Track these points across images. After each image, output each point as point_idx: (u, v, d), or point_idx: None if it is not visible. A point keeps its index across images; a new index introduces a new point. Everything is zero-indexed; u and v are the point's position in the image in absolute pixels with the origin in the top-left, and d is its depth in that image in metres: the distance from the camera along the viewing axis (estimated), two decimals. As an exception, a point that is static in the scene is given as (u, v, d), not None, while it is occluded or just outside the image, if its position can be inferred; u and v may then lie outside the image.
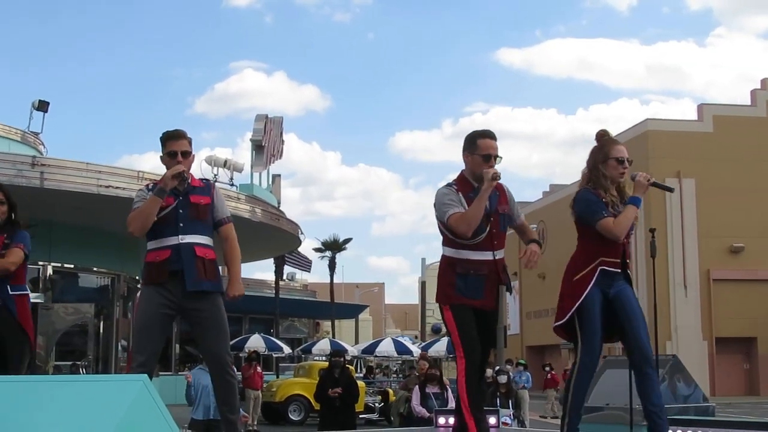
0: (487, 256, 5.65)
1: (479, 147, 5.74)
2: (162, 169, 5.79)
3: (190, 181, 5.70)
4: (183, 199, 5.63)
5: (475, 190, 5.62)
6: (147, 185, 5.87)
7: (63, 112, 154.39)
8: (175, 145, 5.73)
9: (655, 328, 9.71)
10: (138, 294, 5.75)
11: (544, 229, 55.22)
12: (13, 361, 6.13)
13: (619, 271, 5.56)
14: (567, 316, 5.60)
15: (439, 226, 5.78)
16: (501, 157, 5.77)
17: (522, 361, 27.17)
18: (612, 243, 5.48)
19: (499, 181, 5.66)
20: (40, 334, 19.37)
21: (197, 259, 5.56)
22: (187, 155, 5.75)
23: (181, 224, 5.60)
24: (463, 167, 5.87)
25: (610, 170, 5.61)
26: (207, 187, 5.84)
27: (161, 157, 5.82)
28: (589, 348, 5.53)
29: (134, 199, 5.79)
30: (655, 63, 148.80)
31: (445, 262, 5.78)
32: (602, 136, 5.78)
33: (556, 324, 5.75)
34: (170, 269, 5.54)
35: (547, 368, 33.04)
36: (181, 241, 5.57)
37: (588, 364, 5.56)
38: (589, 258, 5.52)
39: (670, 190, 5.83)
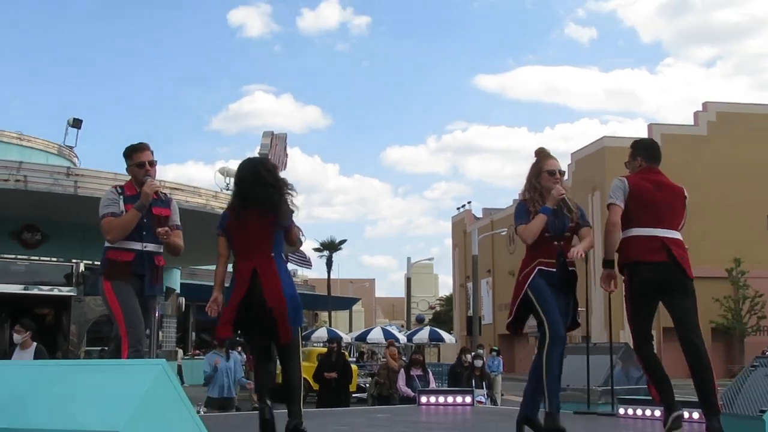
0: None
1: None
2: (125, 177, 5.79)
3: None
4: (147, 210, 5.57)
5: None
6: (115, 188, 5.73)
7: (95, 128, 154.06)
8: (143, 156, 5.64)
9: (609, 319, 9.73)
10: (102, 284, 5.25)
11: (513, 233, 55.23)
12: None
13: (555, 270, 5.38)
14: (513, 312, 5.55)
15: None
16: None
17: (495, 348, 27.13)
18: (546, 245, 5.37)
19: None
20: (73, 323, 19.31)
21: (155, 267, 5.62)
22: (153, 164, 5.69)
23: (144, 232, 5.55)
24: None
25: (543, 182, 5.51)
26: (167, 200, 5.81)
27: (128, 168, 5.71)
28: (553, 321, 5.25)
29: (104, 203, 5.62)
30: (613, 88, 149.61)
31: None
32: (538, 153, 5.68)
33: (507, 321, 5.68)
34: (133, 271, 5.51)
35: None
36: (144, 248, 5.55)
37: (556, 337, 5.25)
38: (530, 260, 5.45)
39: (571, 212, 5.51)
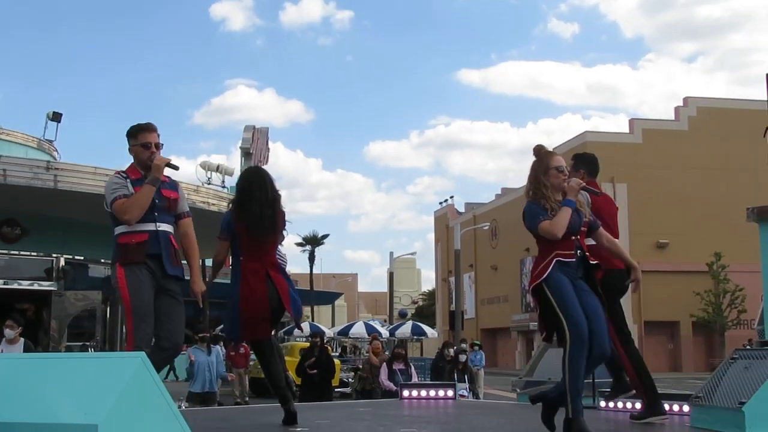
0: None
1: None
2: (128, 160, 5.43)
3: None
4: (156, 190, 5.27)
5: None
6: (118, 173, 5.43)
7: (75, 122, 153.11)
8: (150, 137, 5.35)
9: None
10: (115, 271, 5.01)
11: (496, 227, 55.34)
12: None
13: (574, 260, 5.12)
14: (542, 321, 5.23)
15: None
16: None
17: (477, 342, 27.20)
18: (564, 240, 5.13)
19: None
20: (54, 318, 19.21)
21: (171, 246, 5.34)
22: (160, 147, 5.40)
23: (156, 213, 5.27)
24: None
25: (552, 179, 5.34)
26: (174, 183, 5.53)
27: (131, 148, 5.39)
28: (573, 320, 4.93)
29: (112, 187, 5.30)
30: (595, 83, 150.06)
31: None
32: (540, 150, 5.55)
33: (543, 336, 5.38)
34: (148, 252, 5.21)
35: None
36: (158, 228, 5.27)
37: (577, 338, 4.91)
38: (546, 256, 5.19)
39: (597, 194, 5.54)
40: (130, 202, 5.19)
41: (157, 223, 5.26)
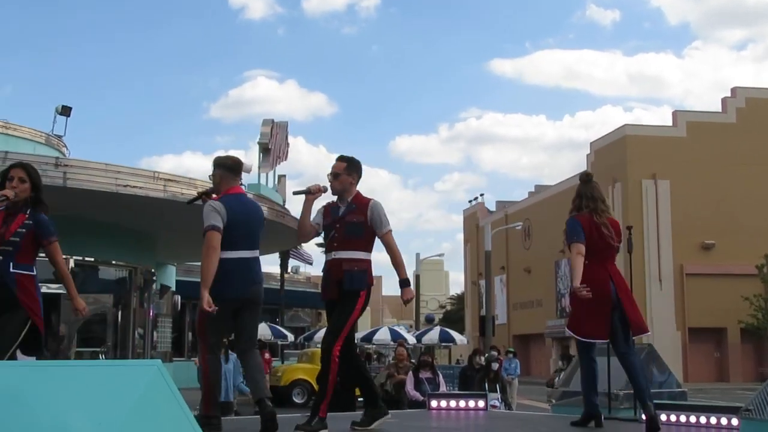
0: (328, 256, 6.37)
1: None
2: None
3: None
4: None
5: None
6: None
7: (85, 117, 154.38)
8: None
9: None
10: None
11: (529, 227, 55.17)
12: (3, 340, 5.77)
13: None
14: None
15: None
16: (340, 174, 6.44)
17: (511, 349, 27.12)
18: None
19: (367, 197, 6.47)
20: (63, 323, 19.36)
21: None
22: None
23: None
24: None
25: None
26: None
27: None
28: None
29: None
30: (637, 73, 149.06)
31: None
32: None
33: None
34: None
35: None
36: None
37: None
38: None
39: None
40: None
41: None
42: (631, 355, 6.55)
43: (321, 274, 6.55)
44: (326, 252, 6.37)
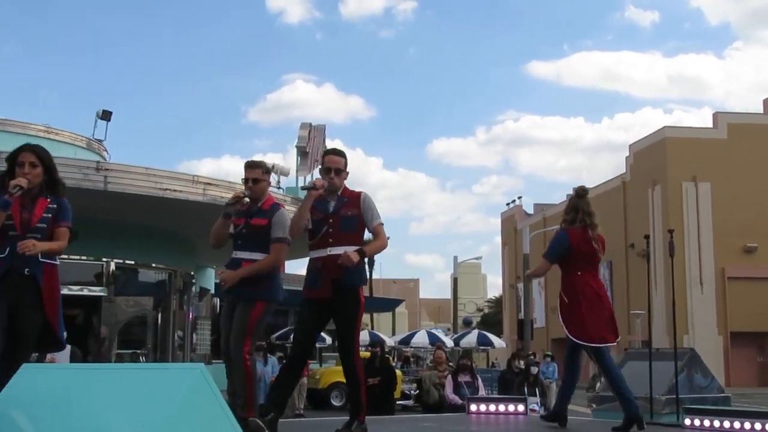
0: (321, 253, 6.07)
1: (323, 162, 6.27)
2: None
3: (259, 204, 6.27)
4: (246, 221, 6.19)
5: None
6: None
7: (126, 121, 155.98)
8: (248, 173, 6.29)
9: (673, 323, 9.62)
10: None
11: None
12: (27, 336, 5.45)
13: None
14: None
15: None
16: (346, 171, 6.26)
17: (549, 353, 26.95)
18: None
19: (357, 190, 6.24)
20: (104, 325, 19.55)
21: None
22: (256, 182, 6.26)
23: (240, 241, 6.23)
24: None
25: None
26: (270, 211, 6.25)
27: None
28: None
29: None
30: (676, 74, 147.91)
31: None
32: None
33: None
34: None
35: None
36: (236, 256, 6.23)
37: None
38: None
39: None
40: (212, 231, 6.35)
41: (236, 251, 6.23)
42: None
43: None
44: (316, 248, 6.08)
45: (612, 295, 50.16)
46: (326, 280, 5.97)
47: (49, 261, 5.53)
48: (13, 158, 5.62)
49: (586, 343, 6.86)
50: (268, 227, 6.13)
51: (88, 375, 3.52)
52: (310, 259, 6.15)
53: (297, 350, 6.44)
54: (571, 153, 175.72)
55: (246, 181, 6.25)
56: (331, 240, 6.02)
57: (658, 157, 44.88)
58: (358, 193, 6.21)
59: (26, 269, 5.42)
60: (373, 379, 14.45)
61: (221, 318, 6.26)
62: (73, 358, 9.14)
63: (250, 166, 6.32)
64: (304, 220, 6.04)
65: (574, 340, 6.87)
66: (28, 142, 5.80)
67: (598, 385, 15.39)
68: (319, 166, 6.28)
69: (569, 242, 6.90)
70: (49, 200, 5.62)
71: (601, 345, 6.85)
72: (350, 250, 5.90)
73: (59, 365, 5.25)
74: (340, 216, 6.06)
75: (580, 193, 7.21)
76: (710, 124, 46.84)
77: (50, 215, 5.58)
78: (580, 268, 6.89)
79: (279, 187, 24.96)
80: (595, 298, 6.84)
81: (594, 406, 11.59)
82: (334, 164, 6.14)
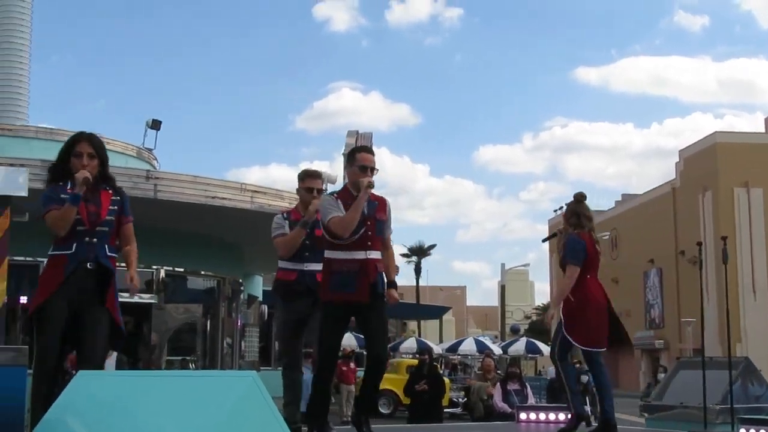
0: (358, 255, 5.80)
1: (357, 159, 5.96)
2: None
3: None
4: (309, 232, 6.23)
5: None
6: (282, 213, 6.57)
7: (175, 130, 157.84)
8: (314, 183, 6.39)
9: (727, 331, 9.48)
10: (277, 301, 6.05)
11: (616, 237, 54.27)
12: (100, 332, 5.17)
13: None
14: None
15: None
16: (377, 170, 5.95)
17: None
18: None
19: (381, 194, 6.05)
20: (154, 332, 19.74)
21: (317, 283, 6.10)
22: (321, 192, 6.36)
23: (307, 253, 6.26)
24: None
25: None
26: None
27: (298, 190, 6.54)
28: None
29: (273, 226, 6.43)
30: (727, 79, 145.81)
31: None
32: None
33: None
34: (295, 289, 6.30)
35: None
36: (305, 268, 6.27)
37: None
38: None
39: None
40: (280, 242, 6.31)
41: (305, 263, 6.26)
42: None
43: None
44: (349, 250, 5.74)
45: (662, 302, 49.66)
46: (364, 283, 5.71)
47: (114, 255, 5.33)
48: (69, 147, 5.31)
49: (594, 348, 6.91)
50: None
51: (143, 382, 3.54)
52: (334, 260, 5.80)
53: (331, 356, 6.11)
54: (619, 159, 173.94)
55: (311, 190, 6.31)
56: (369, 243, 5.80)
57: (708, 163, 44.28)
58: (383, 198, 6.03)
59: (97, 263, 5.19)
60: (419, 386, 14.40)
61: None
62: (119, 366, 9.22)
63: (319, 176, 6.46)
64: (357, 219, 5.75)
65: (580, 345, 6.85)
66: (83, 130, 5.47)
67: (654, 393, 15.18)
68: (348, 164, 6.03)
69: (584, 245, 6.86)
70: (111, 192, 5.37)
71: (594, 349, 6.93)
72: (389, 289, 5.89)
73: (105, 372, 5.27)
74: (376, 219, 5.86)
75: (579, 198, 7.14)
76: (762, 129, 46.16)
77: (116, 207, 5.34)
78: (589, 271, 6.89)
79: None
80: (599, 305, 6.90)
81: (647, 415, 11.44)
82: (371, 163, 5.90)
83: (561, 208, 70.69)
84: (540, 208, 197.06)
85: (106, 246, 5.24)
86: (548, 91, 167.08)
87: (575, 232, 6.91)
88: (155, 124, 25.35)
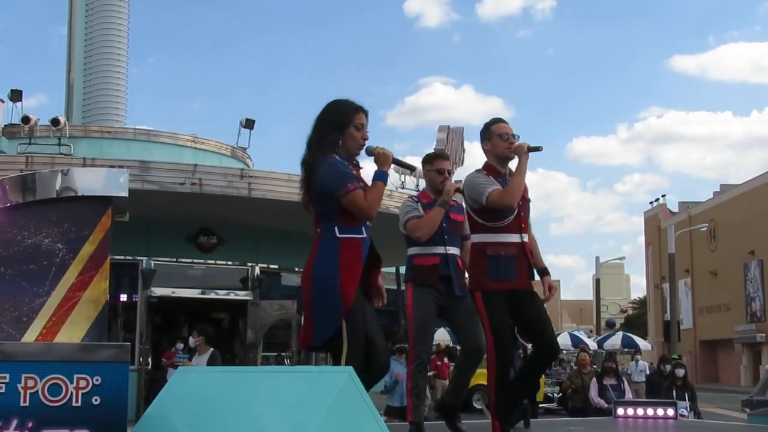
0: (512, 238, 5.61)
1: (493, 132, 5.94)
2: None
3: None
4: (446, 214, 5.86)
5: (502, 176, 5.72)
6: (411, 198, 6.31)
7: (267, 129, 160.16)
8: (444, 164, 6.06)
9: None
10: (407, 290, 5.68)
11: (715, 228, 52.97)
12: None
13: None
14: None
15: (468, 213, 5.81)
16: (518, 135, 5.99)
17: (676, 357, 26.06)
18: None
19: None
20: (250, 328, 20.07)
21: (459, 269, 5.88)
22: (451, 174, 6.14)
23: (446, 236, 5.88)
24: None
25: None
26: (460, 207, 6.04)
27: (426, 173, 6.12)
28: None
29: (405, 209, 5.98)
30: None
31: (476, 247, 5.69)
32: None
33: None
34: (440, 274, 5.80)
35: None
36: (447, 251, 5.87)
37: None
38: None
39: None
40: (422, 222, 5.83)
41: (447, 247, 5.90)
42: None
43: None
44: (502, 232, 5.55)
45: (763, 295, 48.30)
46: (524, 269, 5.61)
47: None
48: (349, 117, 4.89)
49: None
50: (463, 223, 5.97)
51: (242, 378, 3.61)
52: (489, 244, 5.57)
53: (507, 342, 5.75)
54: (718, 149, 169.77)
55: (443, 171, 6.00)
56: (523, 225, 5.67)
57: (811, 151, 42.89)
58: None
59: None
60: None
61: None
62: (212, 362, 9.31)
63: (447, 157, 6.27)
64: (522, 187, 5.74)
65: None
66: (350, 100, 4.98)
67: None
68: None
69: None
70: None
71: None
72: (545, 277, 5.95)
73: (203, 368, 5.38)
74: (525, 199, 5.86)
75: None
76: None
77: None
78: None
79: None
80: None
81: (748, 410, 11.14)
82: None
83: (657, 199, 69.38)
84: (635, 200, 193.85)
85: (336, 228, 4.94)
86: (643, 81, 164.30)
87: None
88: (249, 124, 25.70)
